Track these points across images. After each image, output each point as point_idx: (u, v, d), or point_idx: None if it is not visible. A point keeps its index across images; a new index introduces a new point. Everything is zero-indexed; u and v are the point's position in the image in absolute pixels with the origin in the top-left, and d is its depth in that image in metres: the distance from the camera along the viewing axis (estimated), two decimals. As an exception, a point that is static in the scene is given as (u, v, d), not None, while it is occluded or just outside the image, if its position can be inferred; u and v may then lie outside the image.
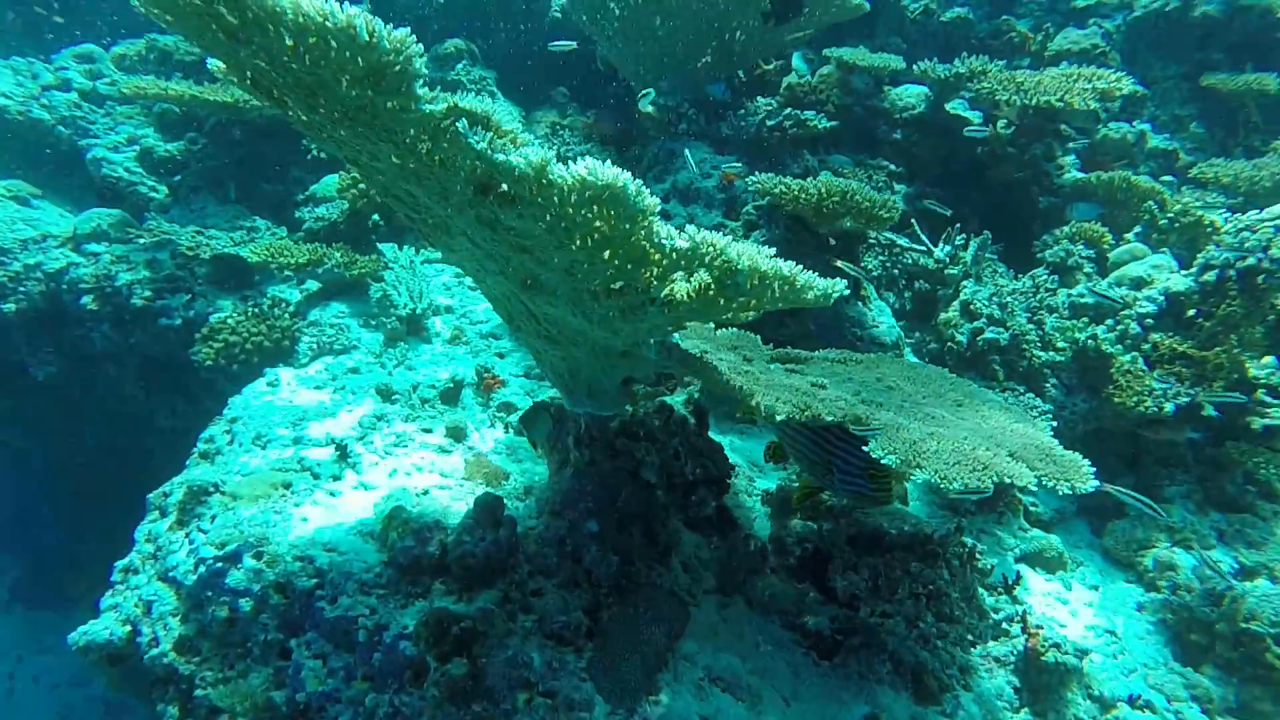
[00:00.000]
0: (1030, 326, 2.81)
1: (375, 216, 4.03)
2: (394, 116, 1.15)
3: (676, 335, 1.79)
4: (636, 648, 1.92)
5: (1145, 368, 2.71)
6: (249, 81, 1.30)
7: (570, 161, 1.11)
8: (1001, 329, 2.78)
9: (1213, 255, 2.77)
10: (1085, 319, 2.82)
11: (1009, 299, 2.86)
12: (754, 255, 1.18)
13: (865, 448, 1.61)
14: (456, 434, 2.68)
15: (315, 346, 3.17)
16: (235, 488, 2.26)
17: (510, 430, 2.77)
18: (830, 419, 1.52)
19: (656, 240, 1.18)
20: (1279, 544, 2.67)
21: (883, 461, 1.60)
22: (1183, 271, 2.85)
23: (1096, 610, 2.52)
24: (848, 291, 1.27)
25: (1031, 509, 2.81)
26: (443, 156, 1.22)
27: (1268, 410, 2.89)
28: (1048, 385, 2.77)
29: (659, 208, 1.13)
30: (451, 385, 2.95)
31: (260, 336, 3.19)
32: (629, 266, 1.31)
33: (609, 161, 1.10)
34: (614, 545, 2.10)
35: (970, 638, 2.10)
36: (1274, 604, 2.34)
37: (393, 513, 2.05)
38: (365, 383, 2.98)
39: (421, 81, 1.11)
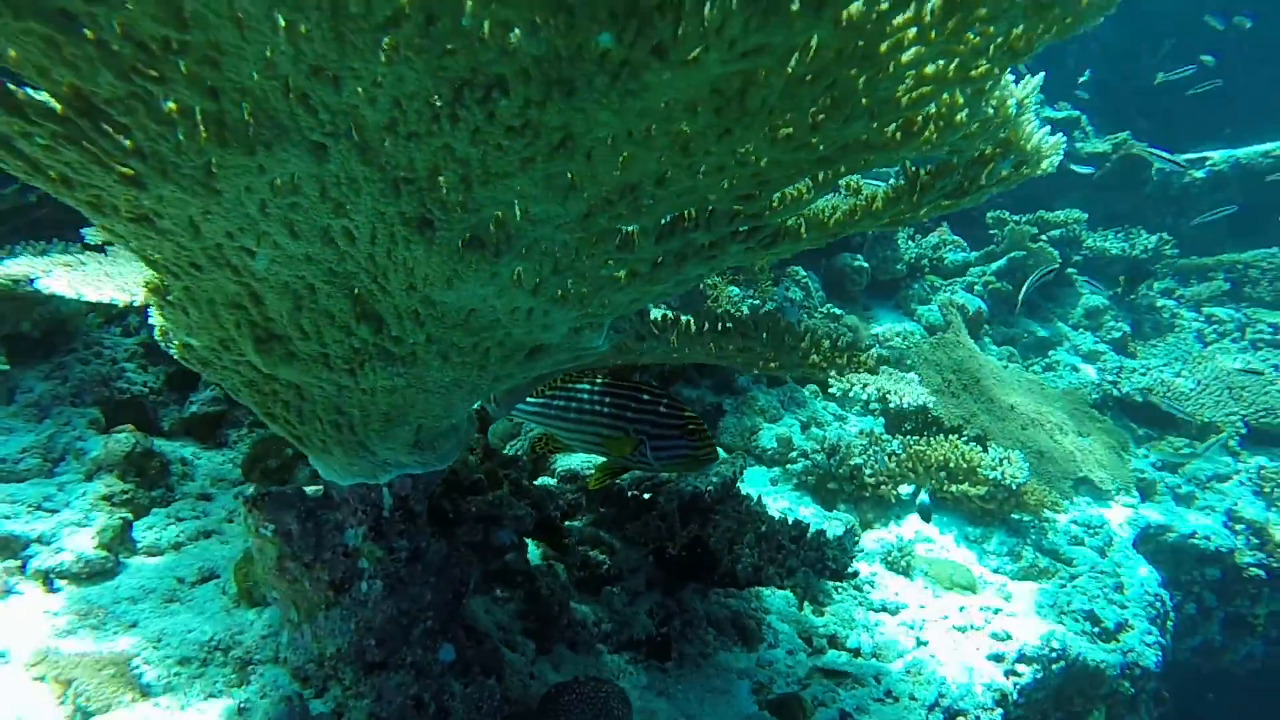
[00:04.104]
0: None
1: None
2: None
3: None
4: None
5: (720, 280, 3.09)
6: None
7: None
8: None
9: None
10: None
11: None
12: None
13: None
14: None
15: None
16: None
17: (65, 580, 1.41)
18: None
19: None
20: (814, 402, 3.47)
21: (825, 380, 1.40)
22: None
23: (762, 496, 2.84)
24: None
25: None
26: None
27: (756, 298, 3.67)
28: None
29: None
30: None
31: None
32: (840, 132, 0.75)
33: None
34: (479, 663, 1.33)
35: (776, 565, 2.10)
36: (855, 439, 3.05)
37: None
38: None
39: None
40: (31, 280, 1.21)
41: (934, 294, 4.77)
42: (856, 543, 1.88)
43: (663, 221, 0.87)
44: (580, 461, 2.16)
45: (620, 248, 0.87)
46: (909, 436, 3.12)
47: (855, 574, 1.86)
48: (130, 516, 1.56)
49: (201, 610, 1.44)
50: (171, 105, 0.65)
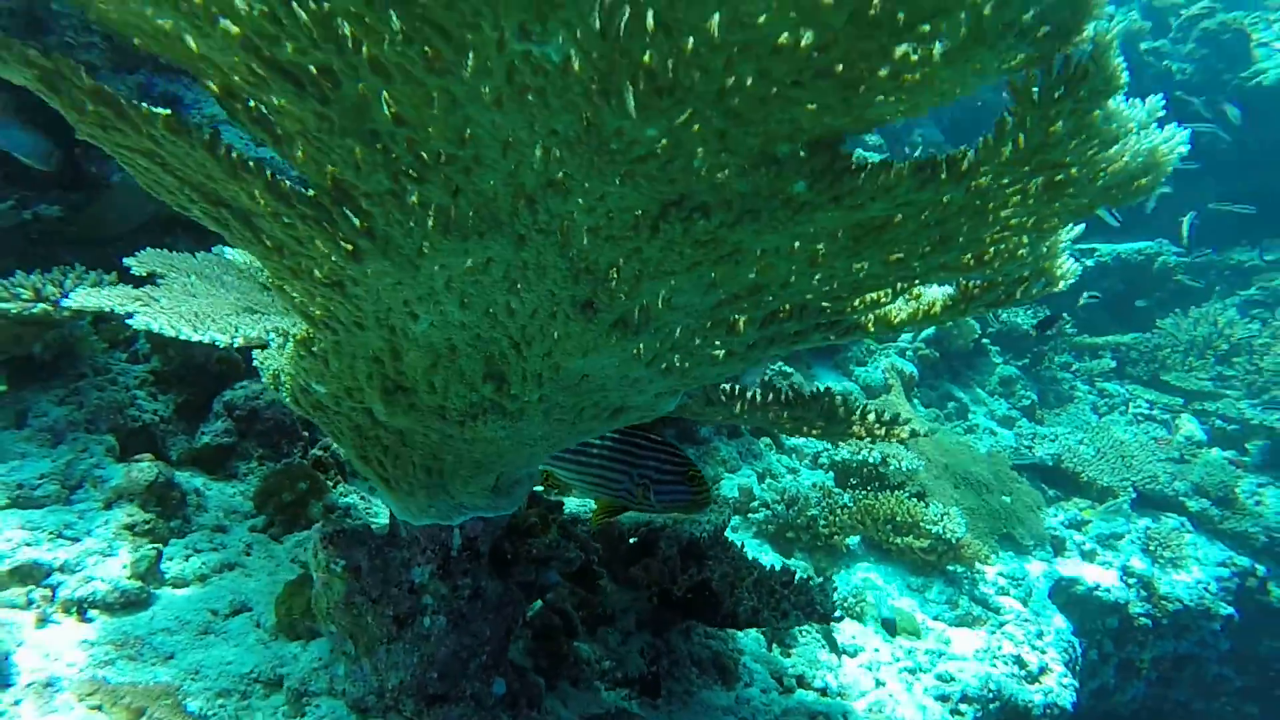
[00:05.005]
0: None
1: None
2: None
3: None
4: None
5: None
6: None
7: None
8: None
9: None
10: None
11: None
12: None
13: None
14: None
15: None
16: None
17: (99, 610, 1.41)
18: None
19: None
20: (769, 454, 3.68)
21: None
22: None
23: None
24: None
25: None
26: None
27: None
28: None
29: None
30: None
31: None
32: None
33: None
34: (525, 696, 1.41)
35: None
36: (811, 492, 3.26)
37: None
38: None
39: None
40: (129, 315, 1.24)
41: (870, 357, 5.12)
42: (835, 589, 2.05)
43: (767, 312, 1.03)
44: (576, 505, 2.26)
45: (729, 332, 1.03)
46: (857, 490, 3.36)
47: (841, 618, 2.03)
48: (161, 547, 1.57)
49: (238, 642, 1.46)
50: (415, 198, 0.77)
